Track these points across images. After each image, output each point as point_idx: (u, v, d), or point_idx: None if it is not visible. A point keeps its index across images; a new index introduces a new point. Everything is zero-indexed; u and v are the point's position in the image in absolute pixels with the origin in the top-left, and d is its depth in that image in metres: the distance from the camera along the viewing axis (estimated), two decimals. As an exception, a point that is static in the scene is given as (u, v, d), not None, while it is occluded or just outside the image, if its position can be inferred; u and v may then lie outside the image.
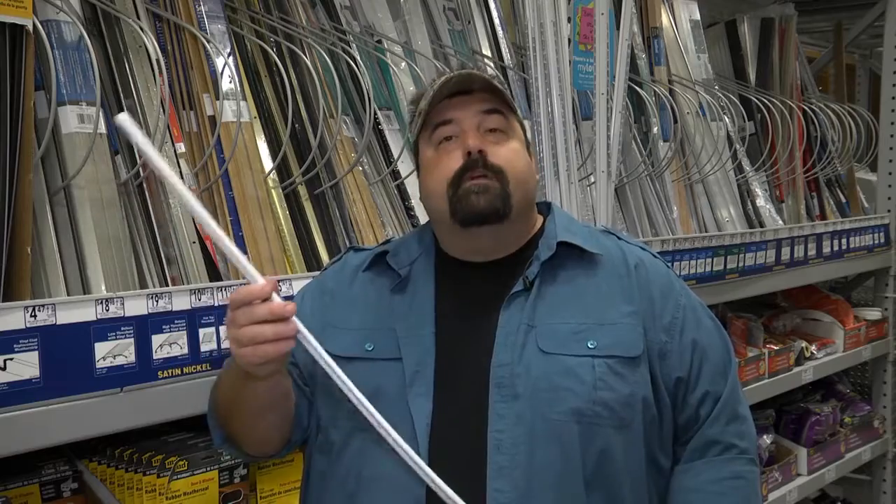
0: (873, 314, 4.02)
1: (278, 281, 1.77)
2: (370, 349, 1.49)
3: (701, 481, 1.52)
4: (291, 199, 2.04)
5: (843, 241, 3.70)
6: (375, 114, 2.21)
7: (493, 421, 1.42)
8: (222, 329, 1.67)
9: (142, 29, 1.78)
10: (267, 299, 1.29)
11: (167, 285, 1.74)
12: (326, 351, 1.36)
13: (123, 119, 1.22)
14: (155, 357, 1.57)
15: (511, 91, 2.55)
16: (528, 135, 1.63)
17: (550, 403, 1.42)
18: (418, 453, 1.40)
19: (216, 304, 1.66)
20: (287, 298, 1.74)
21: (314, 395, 1.55)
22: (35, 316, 1.42)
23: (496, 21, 2.69)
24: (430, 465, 1.39)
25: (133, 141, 1.23)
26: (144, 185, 1.78)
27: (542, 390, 1.42)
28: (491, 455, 1.41)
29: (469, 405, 1.43)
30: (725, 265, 2.94)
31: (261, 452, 1.57)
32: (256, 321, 1.29)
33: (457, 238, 1.53)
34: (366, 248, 1.66)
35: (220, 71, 1.92)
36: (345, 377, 1.34)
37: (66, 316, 1.46)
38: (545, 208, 1.63)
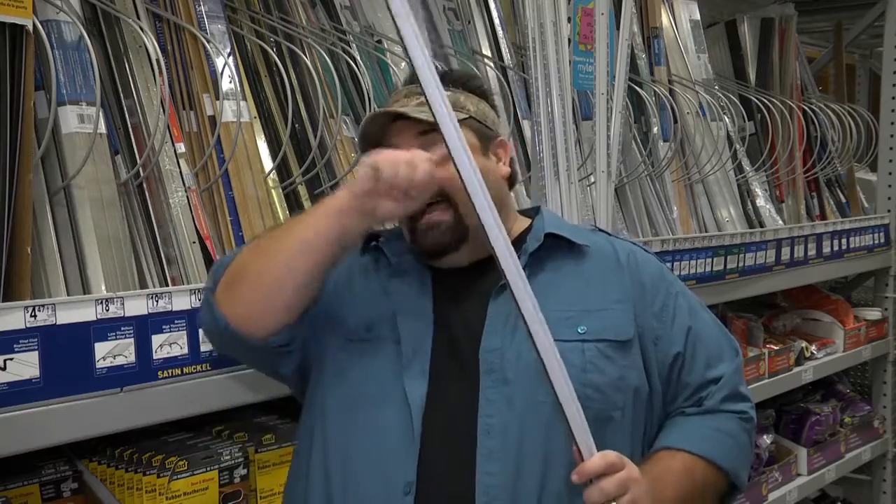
0: (873, 314, 4.02)
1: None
2: (369, 329, 1.51)
3: (688, 426, 1.54)
4: (291, 199, 2.04)
5: (843, 241, 3.70)
6: (375, 114, 2.20)
7: (483, 406, 1.43)
8: (222, 329, 1.67)
9: (142, 29, 1.78)
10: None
11: (167, 285, 1.74)
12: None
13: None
14: (155, 357, 1.57)
15: (510, 91, 2.56)
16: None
17: (541, 387, 1.42)
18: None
19: (216, 304, 1.66)
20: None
21: (313, 364, 1.54)
22: (35, 316, 1.42)
23: (496, 21, 2.69)
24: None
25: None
26: (144, 185, 1.78)
27: (532, 375, 1.43)
28: (481, 439, 1.42)
29: (461, 390, 1.45)
30: (725, 265, 2.94)
31: (245, 322, 1.45)
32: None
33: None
34: None
35: (220, 71, 1.92)
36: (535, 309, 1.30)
37: (66, 316, 1.46)
38: (534, 212, 1.64)
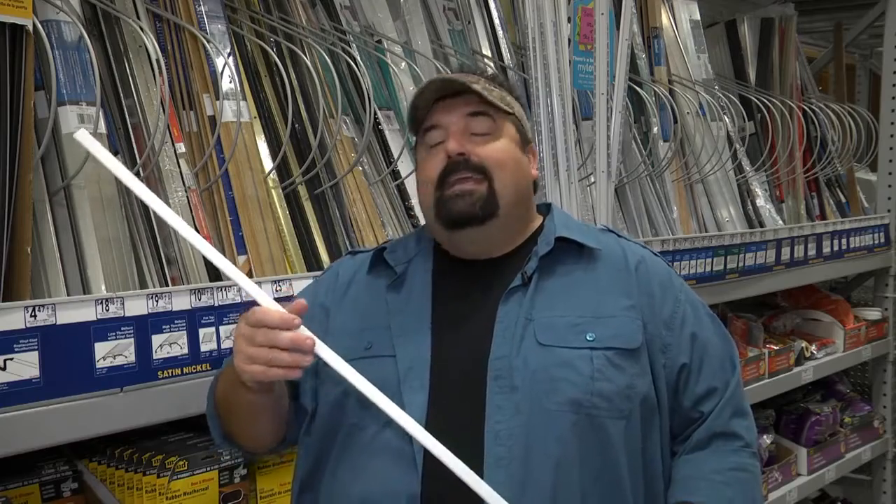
0: (873, 314, 4.02)
1: (278, 281, 1.77)
2: (368, 347, 1.50)
3: (706, 470, 1.53)
4: (291, 199, 2.04)
5: (843, 241, 3.70)
6: (375, 114, 2.21)
7: (491, 412, 1.42)
8: (222, 329, 1.67)
9: (142, 29, 1.78)
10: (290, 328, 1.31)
11: (167, 285, 1.74)
12: None
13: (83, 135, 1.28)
14: (155, 357, 1.57)
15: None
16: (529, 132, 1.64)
17: (548, 394, 1.43)
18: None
19: (216, 304, 1.66)
20: (287, 298, 1.75)
21: (314, 395, 1.55)
22: (35, 316, 1.42)
23: (496, 21, 2.69)
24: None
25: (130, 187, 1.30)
26: (144, 185, 1.78)
27: (539, 382, 1.43)
28: (488, 446, 1.41)
29: (466, 398, 1.44)
30: (725, 265, 2.94)
31: (258, 449, 1.61)
32: (275, 346, 1.31)
33: (448, 238, 1.55)
34: (362, 250, 1.68)
35: (220, 71, 1.92)
36: (367, 386, 1.34)
37: (66, 316, 1.46)
38: (545, 209, 1.64)
